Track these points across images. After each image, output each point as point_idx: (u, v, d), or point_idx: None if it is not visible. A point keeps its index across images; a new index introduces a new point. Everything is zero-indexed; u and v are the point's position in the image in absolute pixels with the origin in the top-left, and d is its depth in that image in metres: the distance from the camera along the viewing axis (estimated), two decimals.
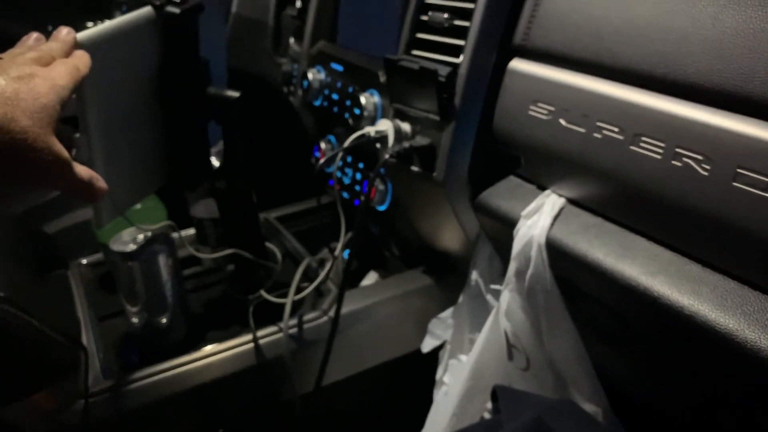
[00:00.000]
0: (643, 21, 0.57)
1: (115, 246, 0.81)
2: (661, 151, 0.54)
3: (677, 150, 0.52)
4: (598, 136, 0.60)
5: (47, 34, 0.63)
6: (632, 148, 0.56)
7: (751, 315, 0.49)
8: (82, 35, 0.63)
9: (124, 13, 1.19)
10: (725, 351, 0.50)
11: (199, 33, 0.77)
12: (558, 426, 0.60)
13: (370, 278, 1.07)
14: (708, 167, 0.50)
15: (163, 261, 0.81)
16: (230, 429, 0.83)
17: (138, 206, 0.90)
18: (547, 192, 0.69)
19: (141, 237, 0.81)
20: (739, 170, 0.48)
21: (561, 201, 0.68)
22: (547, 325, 0.72)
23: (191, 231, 1.06)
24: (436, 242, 0.90)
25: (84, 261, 1.05)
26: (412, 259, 1.00)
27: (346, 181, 1.01)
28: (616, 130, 0.58)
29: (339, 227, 0.90)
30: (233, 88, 0.84)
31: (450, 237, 0.84)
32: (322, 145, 1.05)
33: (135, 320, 0.86)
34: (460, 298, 0.85)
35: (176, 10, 0.74)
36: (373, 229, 1.09)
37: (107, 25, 0.67)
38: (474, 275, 0.82)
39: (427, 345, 0.88)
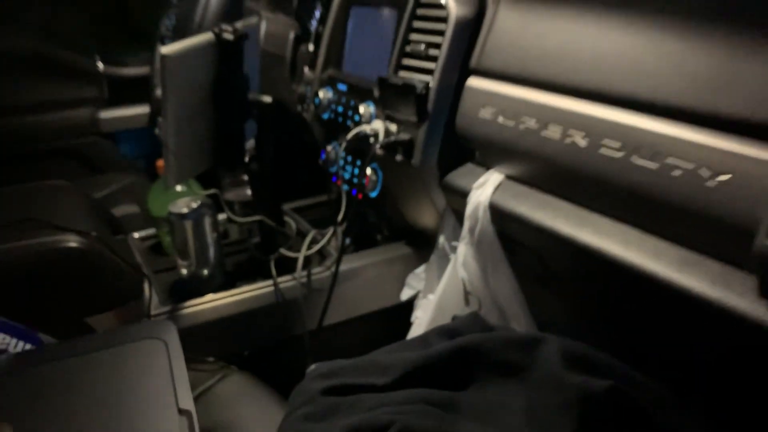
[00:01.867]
0: (554, 47, 0.81)
1: (174, 209, 1.04)
2: (559, 133, 0.78)
3: (572, 132, 0.76)
4: (522, 128, 0.84)
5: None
6: (544, 134, 0.80)
7: (648, 251, 0.68)
8: (167, 49, 0.88)
9: (165, 44, 1.45)
10: (631, 278, 0.68)
11: (243, 54, 1.02)
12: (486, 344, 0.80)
13: None
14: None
15: (208, 221, 1.04)
16: (253, 354, 1.05)
17: (186, 188, 1.15)
18: (492, 171, 0.93)
19: (193, 204, 1.05)
20: (625, 149, 0.70)
21: (500, 176, 0.91)
22: (492, 269, 0.95)
23: (223, 215, 1.30)
24: (415, 218, 1.14)
25: (136, 235, 1.29)
26: (397, 237, 1.25)
27: (347, 176, 1.26)
28: (534, 122, 0.82)
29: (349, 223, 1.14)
30: (269, 115, 1.09)
31: (424, 212, 1.08)
32: (328, 149, 1.29)
33: (184, 271, 1.09)
34: (431, 258, 1.08)
35: (230, 37, 1.00)
36: (369, 216, 1.32)
37: (183, 43, 0.92)
38: (441, 239, 1.05)
39: (405, 294, 1.11)
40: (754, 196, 0.56)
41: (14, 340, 0.78)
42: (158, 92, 1.36)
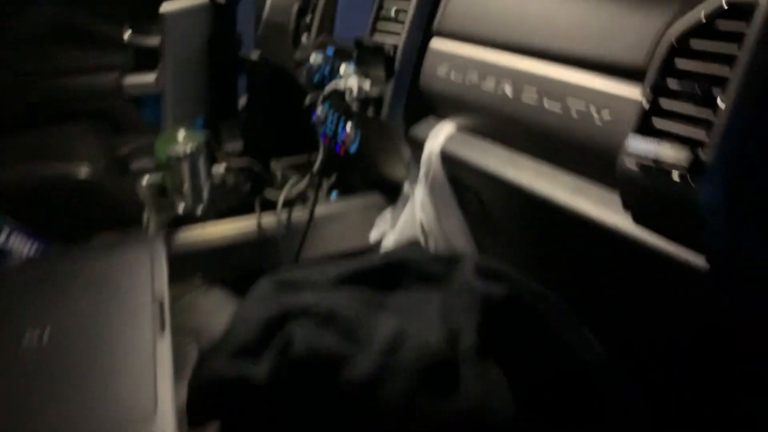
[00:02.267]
0: (494, 11, 0.92)
1: (172, 152, 1.18)
2: (493, 85, 0.89)
3: (503, 83, 0.87)
4: (466, 82, 0.95)
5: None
6: (483, 86, 0.91)
7: (579, 192, 0.76)
8: (165, 8, 1.02)
9: None
10: (548, 209, 0.79)
11: (236, 16, 1.15)
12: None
13: None
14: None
15: (201, 163, 1.18)
16: (236, 281, 1.18)
17: (186, 137, 1.29)
18: (445, 122, 1.05)
19: (189, 148, 1.18)
20: (539, 95, 0.82)
21: (452, 127, 1.03)
22: (443, 212, 1.06)
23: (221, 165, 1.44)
24: (386, 169, 1.26)
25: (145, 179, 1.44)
26: (372, 188, 1.37)
27: (331, 133, 1.38)
28: (475, 76, 0.93)
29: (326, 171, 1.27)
30: (261, 74, 1.22)
31: (393, 163, 1.20)
32: (319, 110, 1.42)
33: (181, 207, 1.23)
34: (397, 202, 1.20)
35: (222, 1, 1.13)
36: (353, 177, 1.45)
37: (181, 3, 1.06)
38: (406, 186, 1.17)
39: (374, 235, 1.23)
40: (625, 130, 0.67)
41: (34, 244, 0.93)
42: None
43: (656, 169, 0.58)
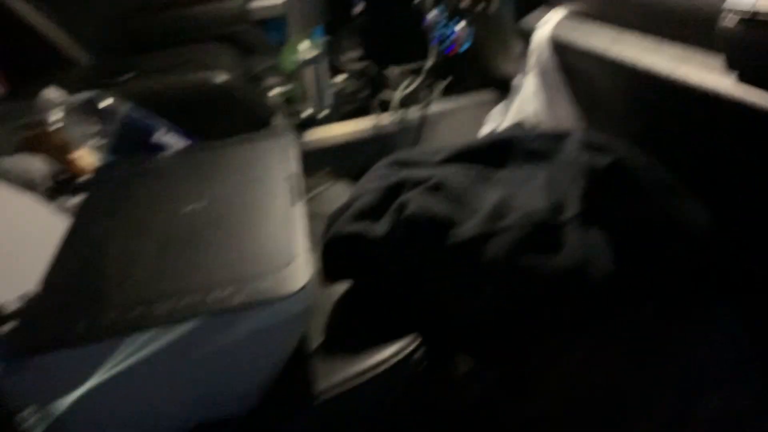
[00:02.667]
0: None
1: (296, 60, 1.28)
2: None
3: None
4: None
5: None
6: None
7: (684, 60, 0.76)
8: None
9: None
10: (682, 94, 0.78)
11: None
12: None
13: None
14: None
15: (323, 68, 1.27)
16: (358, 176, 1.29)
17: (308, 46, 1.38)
18: (555, 10, 1.05)
19: (311, 54, 1.28)
20: None
21: (560, 13, 1.04)
22: (553, 97, 1.08)
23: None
24: (497, 64, 1.29)
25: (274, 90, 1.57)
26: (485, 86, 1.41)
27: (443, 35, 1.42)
28: None
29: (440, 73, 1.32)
30: None
31: (504, 57, 1.23)
32: (430, 14, 1.45)
33: (307, 112, 1.34)
34: (509, 96, 1.23)
35: None
36: (466, 77, 1.49)
37: None
38: (516, 78, 1.20)
39: (486, 129, 1.28)
40: None
41: (185, 141, 1.07)
42: None
43: (755, 20, 0.58)
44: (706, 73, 0.71)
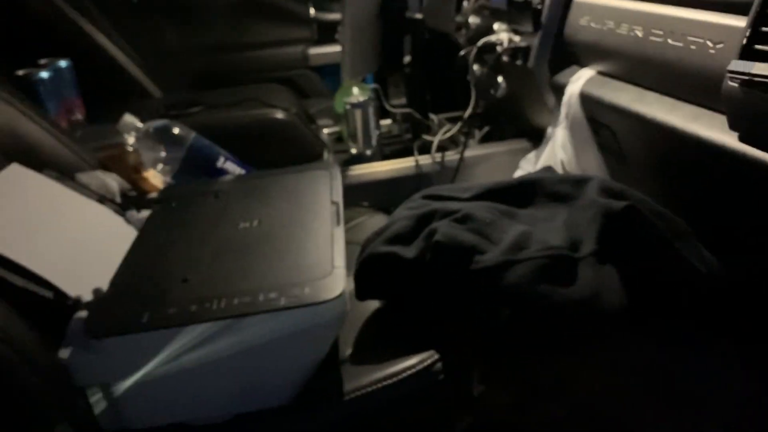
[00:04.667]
0: None
1: (347, 100, 1.39)
2: (626, 29, 0.97)
3: (635, 27, 0.95)
4: (605, 29, 1.03)
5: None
6: (618, 31, 0.99)
7: (695, 118, 0.83)
8: None
9: None
10: (692, 148, 0.85)
11: None
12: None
13: None
14: (650, 33, 0.92)
15: (371, 110, 1.38)
16: None
17: (360, 90, 1.50)
18: (586, 68, 1.14)
19: (361, 97, 1.39)
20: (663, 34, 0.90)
21: (592, 72, 1.12)
22: (581, 147, 1.16)
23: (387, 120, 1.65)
24: (531, 115, 1.37)
25: (326, 130, 1.68)
26: (519, 135, 1.50)
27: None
28: (612, 23, 1.02)
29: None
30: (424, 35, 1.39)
31: (538, 109, 1.31)
32: (475, 67, 1.56)
33: (353, 150, 1.44)
34: (541, 146, 1.31)
35: None
36: (503, 125, 1.58)
37: None
38: (549, 130, 1.28)
39: (517, 174, 1.35)
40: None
41: (239, 169, 1.18)
42: None
43: (752, 83, 0.66)
44: (713, 130, 0.78)
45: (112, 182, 1.08)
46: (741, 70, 0.67)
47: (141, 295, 0.75)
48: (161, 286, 0.75)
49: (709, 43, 0.78)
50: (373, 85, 1.46)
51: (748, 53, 0.68)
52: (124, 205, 1.04)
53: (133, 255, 0.84)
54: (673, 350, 0.84)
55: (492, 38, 1.29)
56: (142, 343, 0.68)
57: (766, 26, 0.67)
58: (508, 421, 0.84)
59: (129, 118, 1.18)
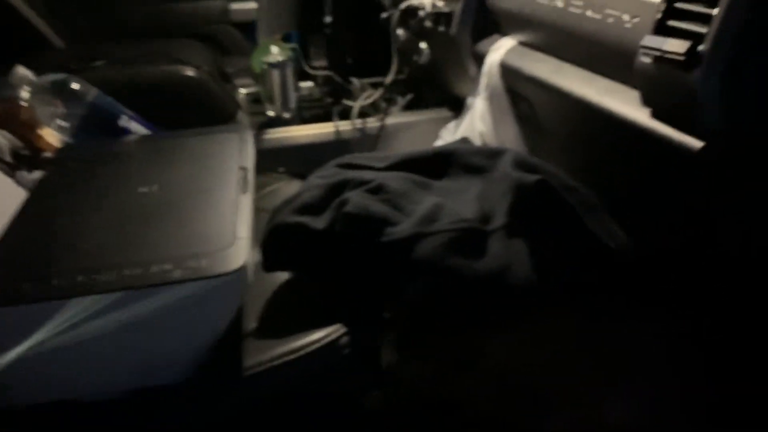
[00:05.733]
0: None
1: (266, 60, 1.33)
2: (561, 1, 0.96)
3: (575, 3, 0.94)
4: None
5: None
6: (539, 1, 0.98)
7: (610, 93, 0.83)
8: None
9: None
10: (605, 122, 0.84)
11: None
12: None
13: None
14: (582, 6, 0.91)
15: (290, 71, 1.33)
16: None
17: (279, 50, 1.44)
18: (507, 38, 1.12)
19: (279, 57, 1.33)
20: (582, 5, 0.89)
21: (513, 41, 1.11)
22: (500, 119, 1.15)
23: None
24: (453, 84, 1.35)
25: (243, 90, 1.61)
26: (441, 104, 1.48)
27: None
28: None
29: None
30: None
31: (460, 78, 1.29)
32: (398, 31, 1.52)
33: (270, 113, 1.39)
34: (461, 115, 1.30)
35: None
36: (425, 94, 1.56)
37: None
38: (469, 99, 1.26)
39: (437, 144, 1.34)
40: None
41: (144, 129, 1.11)
42: None
43: (663, 59, 0.65)
44: (626, 105, 0.78)
45: (2, 139, 1.00)
46: (654, 45, 0.66)
47: (24, 263, 0.69)
48: (47, 254, 0.70)
49: (626, 17, 0.78)
50: (291, 45, 1.40)
51: (661, 29, 0.68)
52: (14, 164, 0.97)
53: (18, 219, 0.78)
54: (591, 323, 0.85)
55: (415, 2, 1.26)
56: (24, 315, 0.63)
57: (680, 2, 0.66)
58: (423, 394, 0.83)
59: (21, 71, 1.09)
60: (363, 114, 1.37)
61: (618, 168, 0.91)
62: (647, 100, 0.74)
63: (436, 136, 1.37)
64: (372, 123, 1.36)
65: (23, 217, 0.79)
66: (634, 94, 0.78)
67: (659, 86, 0.70)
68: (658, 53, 0.66)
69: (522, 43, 1.08)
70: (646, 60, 0.69)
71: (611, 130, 0.84)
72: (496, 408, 0.84)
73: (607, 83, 0.86)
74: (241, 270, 0.65)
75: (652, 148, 0.76)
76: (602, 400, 0.83)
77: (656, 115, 0.74)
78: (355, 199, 0.78)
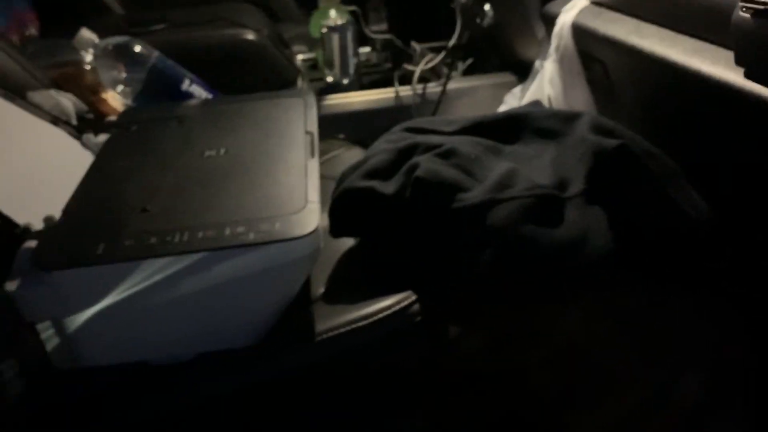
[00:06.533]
0: None
1: (324, 27, 1.31)
2: None
3: None
4: None
5: None
6: None
7: (698, 52, 0.79)
8: None
9: None
10: (692, 84, 0.80)
11: None
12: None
13: None
14: None
15: (350, 36, 1.30)
16: None
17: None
18: None
19: (339, 21, 1.31)
20: None
21: (584, 1, 1.06)
22: (570, 83, 1.11)
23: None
24: (519, 47, 1.31)
25: (300, 56, 1.60)
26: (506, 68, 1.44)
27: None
28: None
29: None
30: None
31: (526, 40, 1.25)
32: None
33: (330, 79, 1.37)
34: (528, 79, 1.26)
35: None
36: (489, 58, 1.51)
37: None
38: (537, 63, 1.22)
39: (502, 109, 1.30)
40: None
41: (206, 93, 1.11)
42: None
43: (765, 13, 0.61)
44: (717, 66, 0.73)
45: (67, 103, 1.01)
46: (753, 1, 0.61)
47: (96, 224, 0.68)
48: (118, 215, 0.69)
49: None
50: (351, 8, 1.37)
51: None
52: (80, 127, 0.97)
53: (88, 181, 0.78)
54: (653, 296, 0.82)
55: None
56: (97, 276, 0.62)
57: None
58: (480, 366, 0.82)
59: (86, 33, 1.09)
60: (423, 79, 1.34)
61: (703, 135, 0.86)
62: (742, 59, 0.69)
63: (498, 102, 1.33)
64: (432, 88, 1.33)
65: (92, 179, 0.79)
66: (725, 54, 0.74)
67: (759, 43, 0.65)
68: (761, 6, 0.61)
69: (595, 3, 1.04)
70: (746, 15, 0.65)
71: (698, 93, 0.80)
72: (555, 383, 0.82)
73: (693, 42, 0.81)
74: (314, 234, 0.64)
75: (746, 112, 0.72)
76: (662, 379, 0.80)
77: (751, 75, 0.69)
78: (426, 163, 0.76)
